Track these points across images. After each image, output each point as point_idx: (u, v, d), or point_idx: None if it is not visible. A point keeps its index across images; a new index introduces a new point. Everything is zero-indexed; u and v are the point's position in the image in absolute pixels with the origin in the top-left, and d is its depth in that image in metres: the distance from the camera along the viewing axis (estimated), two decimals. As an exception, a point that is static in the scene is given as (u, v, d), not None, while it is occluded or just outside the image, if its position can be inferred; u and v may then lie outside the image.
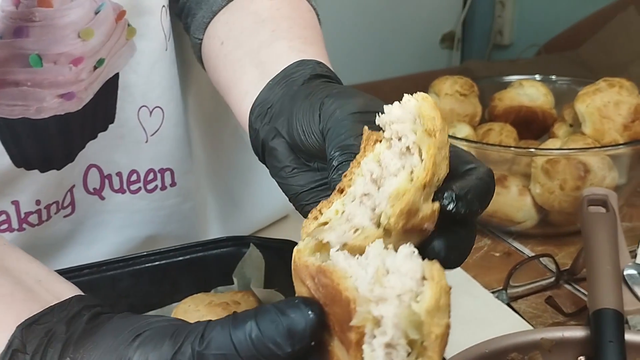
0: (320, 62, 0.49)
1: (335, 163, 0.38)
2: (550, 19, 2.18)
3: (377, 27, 2.18)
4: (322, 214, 0.34)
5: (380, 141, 0.34)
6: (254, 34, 0.55)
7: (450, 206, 0.33)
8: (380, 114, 0.34)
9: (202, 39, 0.61)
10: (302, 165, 0.46)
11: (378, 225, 0.32)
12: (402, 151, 0.33)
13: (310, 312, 0.31)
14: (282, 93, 0.47)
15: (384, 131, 0.34)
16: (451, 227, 0.34)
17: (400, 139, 0.33)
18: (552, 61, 2.01)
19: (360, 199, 0.33)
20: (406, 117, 0.33)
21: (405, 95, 0.34)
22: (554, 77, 0.94)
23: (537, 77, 0.93)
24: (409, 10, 2.23)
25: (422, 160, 0.32)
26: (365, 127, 0.35)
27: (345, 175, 0.35)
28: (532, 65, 2.03)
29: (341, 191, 0.34)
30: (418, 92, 0.34)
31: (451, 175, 0.35)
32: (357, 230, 0.32)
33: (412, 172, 0.32)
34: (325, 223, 0.33)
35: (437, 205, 0.33)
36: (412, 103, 0.34)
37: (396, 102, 0.34)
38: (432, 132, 0.33)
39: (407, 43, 2.26)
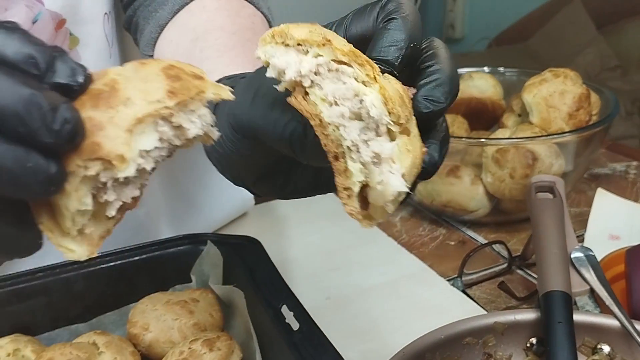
0: (225, 76, 0.47)
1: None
2: (500, 12, 2.22)
3: (331, 22, 2.19)
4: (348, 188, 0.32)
5: (307, 93, 0.32)
6: (190, 57, 0.55)
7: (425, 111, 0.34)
8: (270, 70, 0.33)
9: (152, 56, 0.61)
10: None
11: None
12: (330, 72, 0.32)
13: None
14: None
15: (300, 81, 0.32)
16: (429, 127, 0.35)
17: (317, 73, 0.32)
18: (503, 53, 2.06)
19: (361, 139, 0.32)
20: (291, 58, 0.32)
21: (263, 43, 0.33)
22: (502, 68, 0.96)
23: (486, 69, 0.95)
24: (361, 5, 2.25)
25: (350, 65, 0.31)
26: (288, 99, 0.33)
27: (325, 146, 0.32)
28: (484, 57, 2.07)
29: (336, 158, 0.32)
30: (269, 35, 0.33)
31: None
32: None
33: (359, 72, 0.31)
34: (365, 184, 0.32)
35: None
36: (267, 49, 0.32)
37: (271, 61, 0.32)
38: (321, 41, 0.31)
39: (361, 38, 2.28)
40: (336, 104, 0.31)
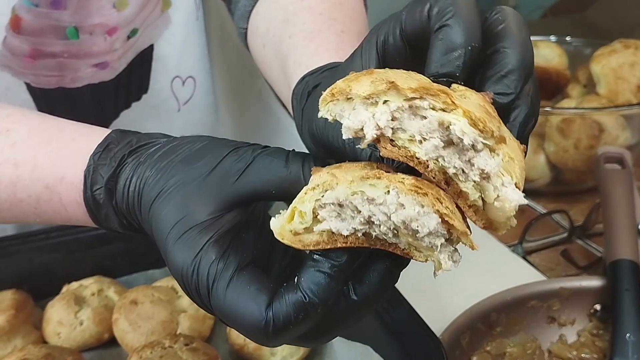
0: (309, 71, 0.44)
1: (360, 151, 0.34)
2: (556, -19, 2.16)
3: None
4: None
5: (392, 139, 0.32)
6: (281, 42, 0.53)
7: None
8: (345, 132, 0.32)
9: (246, 29, 0.60)
10: None
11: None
12: (406, 111, 0.31)
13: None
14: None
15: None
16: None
17: (393, 119, 0.31)
18: (559, 23, 2.01)
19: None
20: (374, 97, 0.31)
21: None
22: (569, 38, 0.95)
23: (553, 37, 0.94)
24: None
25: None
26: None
27: (433, 179, 0.32)
28: (539, 26, 2.02)
29: (447, 183, 0.32)
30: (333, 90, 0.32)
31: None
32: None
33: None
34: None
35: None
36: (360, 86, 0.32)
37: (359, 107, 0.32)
38: (386, 87, 0.31)
39: (412, 4, 2.25)
40: (424, 139, 0.31)
